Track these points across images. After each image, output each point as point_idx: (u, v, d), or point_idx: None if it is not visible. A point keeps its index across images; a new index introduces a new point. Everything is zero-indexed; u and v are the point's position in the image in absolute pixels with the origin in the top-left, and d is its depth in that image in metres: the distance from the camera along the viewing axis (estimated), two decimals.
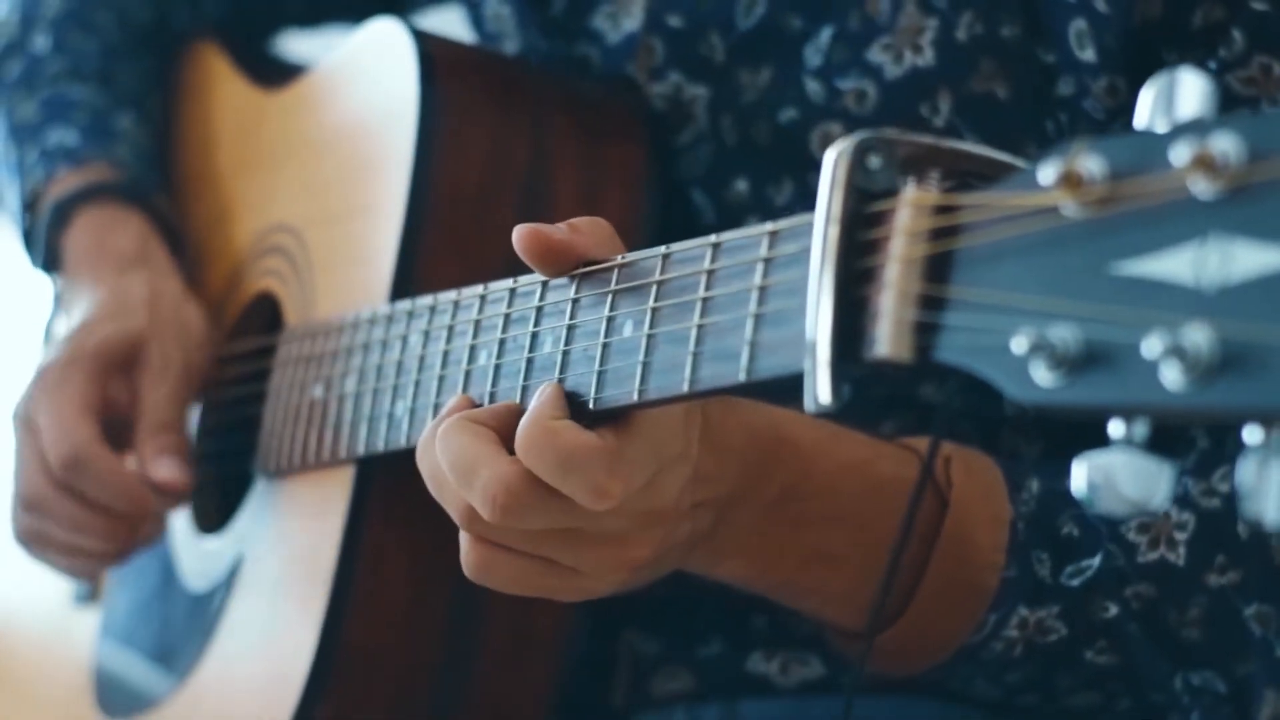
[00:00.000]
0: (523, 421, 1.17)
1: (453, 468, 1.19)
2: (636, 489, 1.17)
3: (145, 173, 1.81)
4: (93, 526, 1.61)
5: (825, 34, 1.50)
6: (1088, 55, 1.41)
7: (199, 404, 1.71)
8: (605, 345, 1.18)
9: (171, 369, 1.65)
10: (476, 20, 1.71)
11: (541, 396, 1.19)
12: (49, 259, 1.76)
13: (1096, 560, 1.35)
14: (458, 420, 1.20)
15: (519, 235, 1.21)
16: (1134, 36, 1.39)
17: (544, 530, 1.19)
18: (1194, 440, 1.42)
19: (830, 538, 1.33)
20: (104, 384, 1.63)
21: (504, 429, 1.19)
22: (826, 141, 1.50)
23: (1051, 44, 1.43)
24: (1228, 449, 1.40)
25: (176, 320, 1.68)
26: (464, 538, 1.23)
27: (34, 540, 1.65)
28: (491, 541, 1.21)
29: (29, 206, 1.79)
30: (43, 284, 1.81)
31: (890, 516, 1.32)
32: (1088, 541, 1.35)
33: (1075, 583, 1.35)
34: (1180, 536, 1.36)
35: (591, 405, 1.17)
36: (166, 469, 1.61)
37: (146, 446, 1.62)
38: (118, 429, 1.63)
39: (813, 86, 1.51)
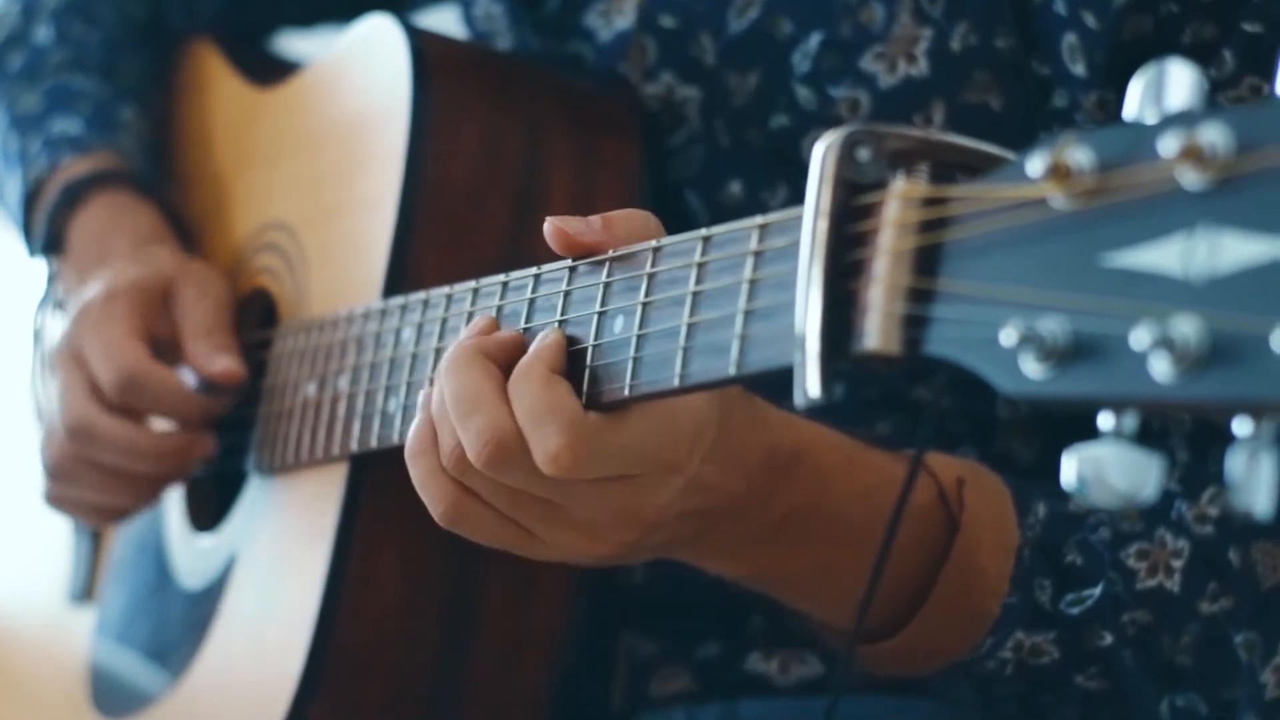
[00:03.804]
0: (524, 360, 1.18)
1: (454, 401, 1.19)
2: (607, 480, 1.17)
3: (149, 165, 1.81)
4: (145, 447, 1.60)
5: (814, 40, 1.50)
6: (1078, 69, 1.41)
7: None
8: (597, 340, 1.18)
9: (210, 293, 1.65)
10: (468, 19, 1.71)
11: (545, 340, 1.19)
12: (51, 239, 1.75)
13: (1098, 590, 1.35)
14: (471, 352, 1.21)
15: (549, 226, 1.21)
16: (1123, 52, 1.38)
17: (523, 493, 1.20)
18: (1173, 452, 1.41)
19: (832, 556, 1.33)
20: (145, 316, 1.63)
21: (512, 366, 1.20)
22: None
23: (1046, 56, 1.43)
24: (1210, 464, 1.40)
25: (204, 269, 1.68)
26: (441, 480, 1.23)
27: (70, 474, 1.64)
28: (471, 491, 1.22)
29: (31, 195, 1.78)
30: (37, 279, 1.80)
31: (897, 540, 1.31)
32: (1090, 570, 1.35)
33: (1074, 611, 1.35)
34: (1176, 564, 1.36)
35: (583, 400, 1.17)
36: (222, 363, 1.60)
37: (199, 346, 1.62)
38: (164, 356, 1.63)
39: (803, 93, 1.50)
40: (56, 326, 1.68)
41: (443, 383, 1.20)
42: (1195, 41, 1.37)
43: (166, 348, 1.63)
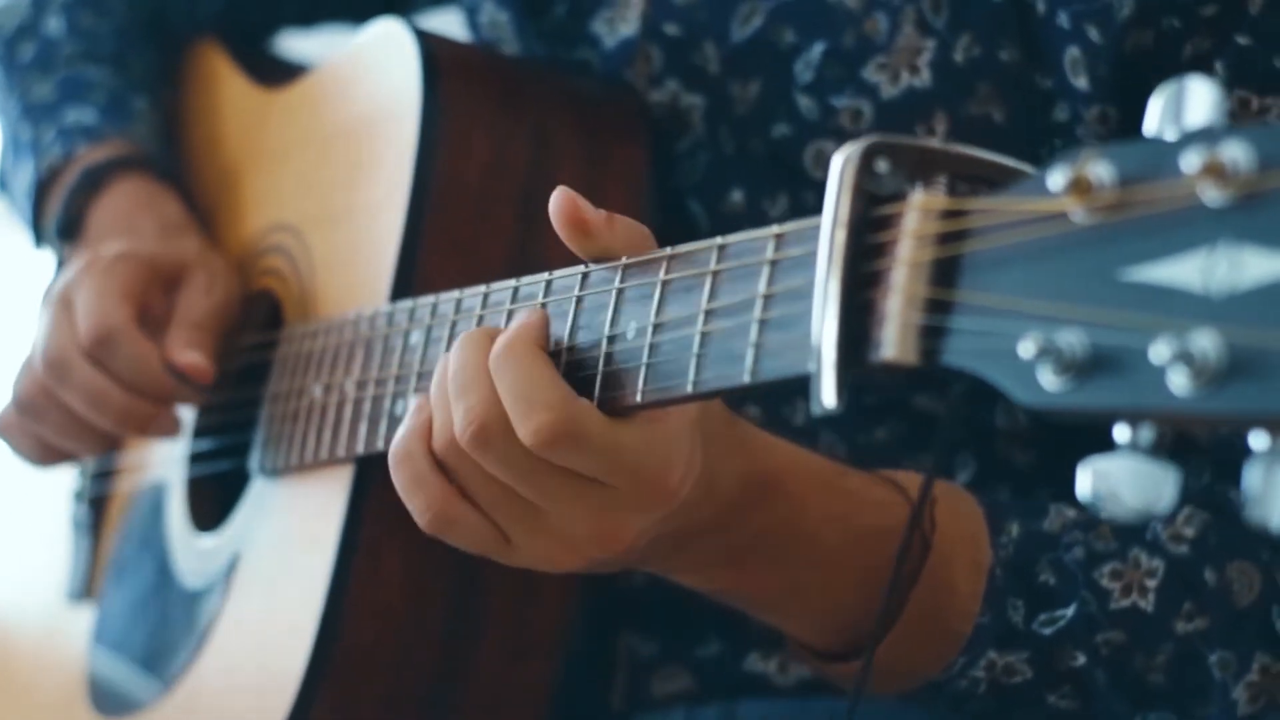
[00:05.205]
0: (503, 337, 1.19)
1: (455, 375, 1.20)
2: (585, 483, 1.17)
3: (164, 156, 1.81)
4: (112, 402, 1.60)
5: (817, 50, 1.50)
6: (1081, 83, 1.41)
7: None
8: (609, 347, 1.18)
9: (217, 289, 1.66)
10: (473, 26, 1.71)
11: (529, 317, 1.20)
12: (68, 223, 1.75)
13: (1070, 610, 1.35)
14: (480, 331, 1.21)
15: (557, 194, 1.20)
16: (1125, 66, 1.39)
17: (505, 492, 1.20)
18: None
19: (802, 577, 1.33)
20: (146, 288, 1.63)
21: None
22: (820, 159, 1.50)
23: (1049, 69, 1.44)
24: (1186, 481, 1.40)
25: (222, 267, 1.68)
26: (427, 485, 1.23)
27: (36, 408, 1.65)
28: (456, 487, 1.22)
29: (44, 184, 1.78)
30: (38, 277, 1.80)
31: (867, 562, 1.31)
32: (1064, 590, 1.35)
33: (1047, 631, 1.35)
34: (1151, 584, 1.36)
35: (594, 404, 1.17)
36: (190, 355, 1.60)
37: (177, 333, 1.62)
38: (151, 332, 1.63)
39: (805, 103, 1.50)
40: (66, 272, 1.68)
41: (448, 359, 1.21)
42: (1195, 55, 1.38)
43: (157, 325, 1.63)
